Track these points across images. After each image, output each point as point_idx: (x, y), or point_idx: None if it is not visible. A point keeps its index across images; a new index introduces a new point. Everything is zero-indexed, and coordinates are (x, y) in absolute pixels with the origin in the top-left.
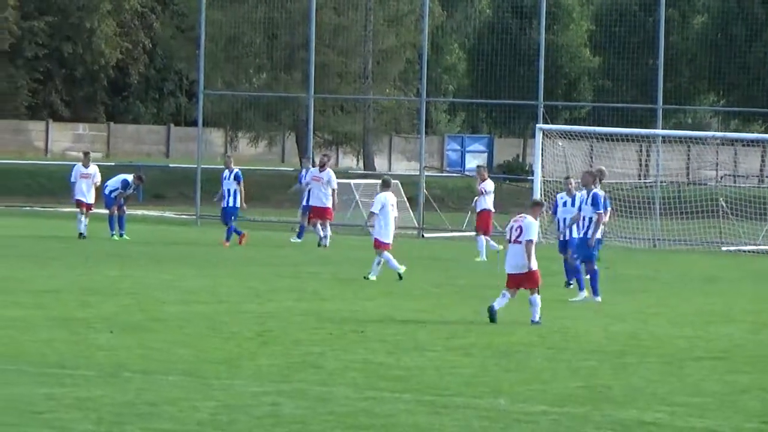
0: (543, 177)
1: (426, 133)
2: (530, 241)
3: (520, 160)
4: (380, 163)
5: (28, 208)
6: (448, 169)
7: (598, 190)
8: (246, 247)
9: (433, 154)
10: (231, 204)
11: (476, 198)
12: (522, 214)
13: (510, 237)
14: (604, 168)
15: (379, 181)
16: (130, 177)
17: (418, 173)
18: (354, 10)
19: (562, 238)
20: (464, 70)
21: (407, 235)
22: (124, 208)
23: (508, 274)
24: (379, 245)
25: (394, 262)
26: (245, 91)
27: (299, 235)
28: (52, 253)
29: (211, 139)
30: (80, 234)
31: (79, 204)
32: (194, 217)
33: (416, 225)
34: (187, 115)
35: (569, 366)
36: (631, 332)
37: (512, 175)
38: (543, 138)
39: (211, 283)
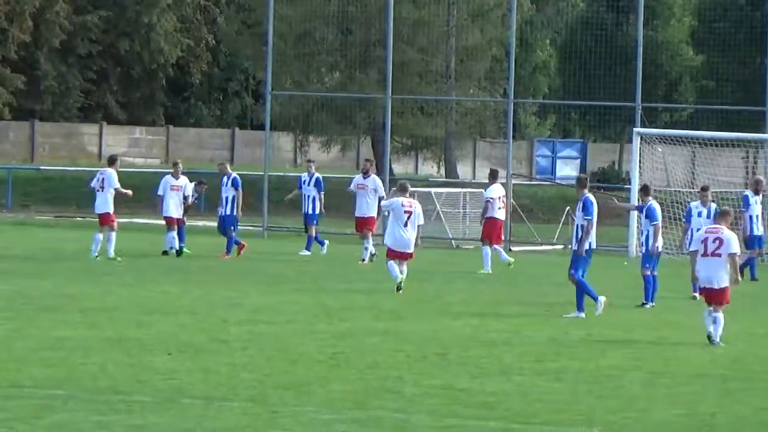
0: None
1: (513, 137)
2: (734, 254)
3: (616, 167)
4: (463, 170)
5: (80, 218)
6: (537, 177)
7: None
8: (319, 262)
9: (521, 160)
10: (229, 212)
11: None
12: (716, 226)
13: (706, 250)
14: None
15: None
16: (190, 185)
17: (504, 181)
18: (435, 3)
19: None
20: (555, 69)
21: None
22: (185, 218)
23: (703, 289)
24: (389, 254)
25: (395, 270)
26: (316, 91)
27: (308, 247)
28: (106, 267)
29: (280, 144)
30: (174, 250)
31: (169, 222)
32: (261, 228)
33: (503, 237)
34: (253, 118)
35: (669, 392)
36: (737, 355)
37: (607, 184)
38: (641, 143)
39: (278, 301)
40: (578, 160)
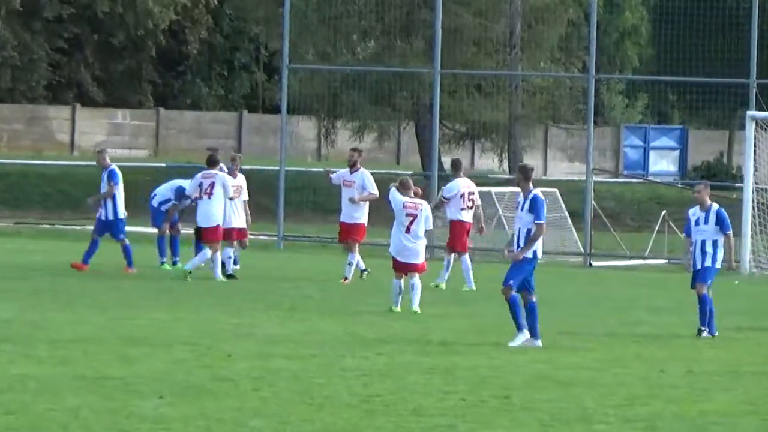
0: (756, 184)
1: (595, 122)
2: None
3: (725, 160)
4: (531, 164)
5: (46, 225)
6: (625, 172)
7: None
8: (353, 280)
9: (604, 151)
10: (113, 216)
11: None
12: None
13: None
14: None
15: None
16: (186, 183)
17: (584, 178)
18: None
19: None
20: (648, 36)
21: (569, 263)
22: (179, 226)
23: None
24: (396, 268)
25: (398, 295)
26: (346, 64)
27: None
28: (81, 288)
29: (299, 132)
30: (228, 272)
31: (227, 235)
32: (276, 237)
33: (581, 249)
34: (265, 99)
35: None
36: None
37: (715, 181)
38: (756, 129)
39: (298, 329)
40: (677, 152)
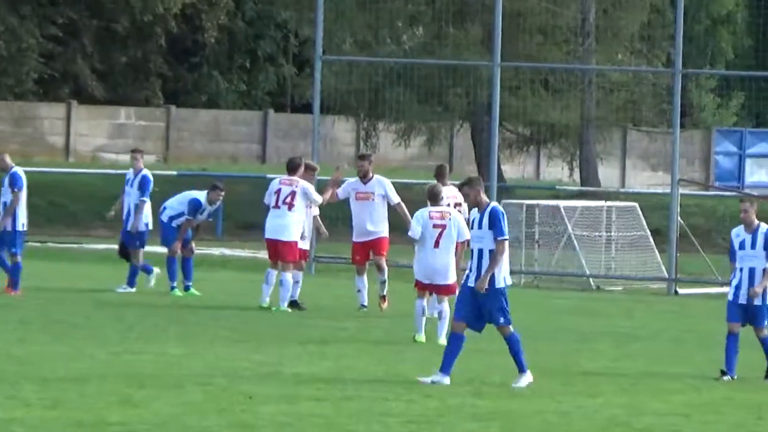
0: None
1: (682, 125)
2: None
3: None
4: (607, 174)
5: (37, 243)
6: (717, 184)
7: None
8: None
9: (692, 159)
10: (10, 227)
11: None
12: None
13: None
14: None
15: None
16: (201, 195)
17: (668, 190)
18: None
19: None
20: (745, 24)
21: (650, 289)
22: (193, 245)
23: None
24: (420, 287)
25: (421, 319)
26: (390, 56)
27: (130, 282)
28: (76, 317)
29: (335, 134)
30: (294, 302)
31: (303, 255)
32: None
33: (665, 274)
34: (295, 96)
35: None
36: None
37: None
38: None
39: (331, 367)
40: None
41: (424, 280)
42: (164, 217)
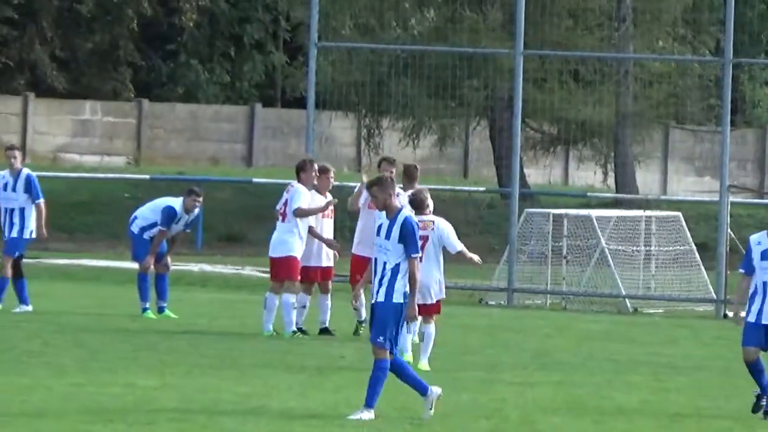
0: None
1: (733, 123)
2: None
3: None
4: (646, 179)
5: None
6: None
7: None
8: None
9: (744, 162)
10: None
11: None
12: None
13: None
14: None
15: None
16: (177, 202)
17: (716, 198)
18: None
19: None
20: None
21: (696, 312)
22: (168, 260)
23: None
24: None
25: (407, 341)
26: (396, 42)
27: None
28: (33, 343)
29: (332, 133)
30: (299, 329)
31: (307, 274)
32: None
33: (713, 295)
34: (286, 88)
35: None
36: None
37: None
38: None
39: (327, 400)
40: None
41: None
42: (135, 228)
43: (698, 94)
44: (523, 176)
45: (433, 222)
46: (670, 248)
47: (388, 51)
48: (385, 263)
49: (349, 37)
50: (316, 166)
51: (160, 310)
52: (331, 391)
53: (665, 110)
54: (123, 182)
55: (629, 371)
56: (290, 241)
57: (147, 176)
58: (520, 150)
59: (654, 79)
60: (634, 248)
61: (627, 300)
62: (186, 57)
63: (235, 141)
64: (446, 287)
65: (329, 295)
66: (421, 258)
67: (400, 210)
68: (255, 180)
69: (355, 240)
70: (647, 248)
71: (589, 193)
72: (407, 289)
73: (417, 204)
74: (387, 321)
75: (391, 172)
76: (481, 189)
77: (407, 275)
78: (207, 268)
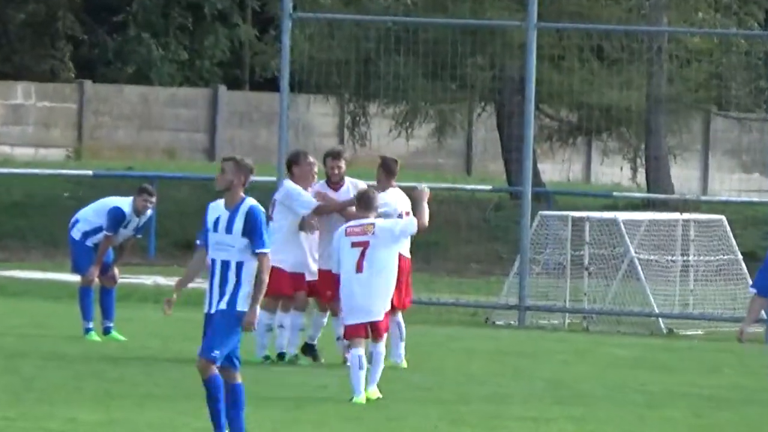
0: None
1: None
2: None
3: None
4: (683, 176)
5: None
6: None
7: None
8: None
9: None
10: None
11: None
12: None
13: None
14: None
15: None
16: (125, 203)
17: (767, 199)
18: None
19: None
20: None
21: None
22: (115, 271)
23: None
24: (345, 333)
25: (359, 375)
26: (386, 13)
27: None
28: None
29: (310, 120)
30: (279, 355)
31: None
32: None
33: (763, 314)
34: (255, 67)
35: None
36: None
37: None
38: None
39: None
40: None
41: (351, 319)
42: (76, 234)
43: (744, 74)
44: (536, 172)
45: (374, 225)
46: (712, 258)
47: (377, 23)
48: (226, 264)
49: (330, 7)
50: (311, 159)
51: (106, 330)
52: (310, 426)
53: (705, 94)
54: (62, 179)
55: (664, 405)
56: (285, 249)
57: (90, 172)
58: (533, 141)
59: (692, 57)
60: (669, 258)
61: (660, 320)
62: (136, 30)
63: (194, 130)
64: (446, 304)
65: (300, 315)
66: (360, 267)
67: (243, 199)
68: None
69: (322, 253)
70: (684, 258)
71: (615, 193)
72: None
73: (365, 203)
74: (228, 333)
75: (339, 168)
76: (487, 187)
77: (263, 277)
78: (162, 280)
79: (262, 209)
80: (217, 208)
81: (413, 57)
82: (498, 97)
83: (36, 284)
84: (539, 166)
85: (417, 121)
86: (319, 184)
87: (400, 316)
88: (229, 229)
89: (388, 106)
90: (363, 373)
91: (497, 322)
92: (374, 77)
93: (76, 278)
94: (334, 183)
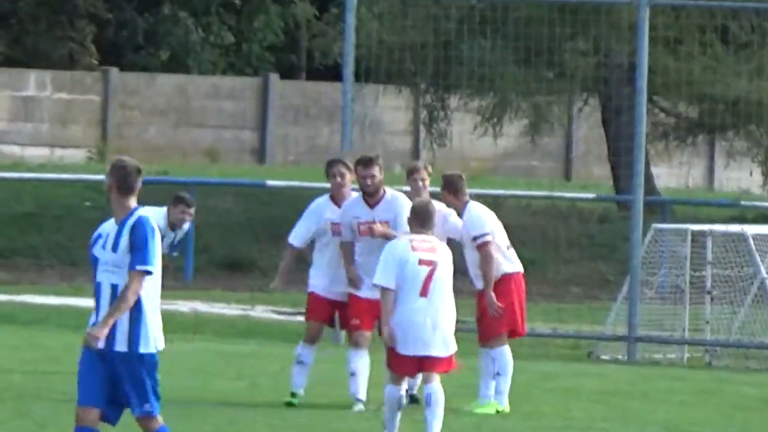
0: None
1: None
2: None
3: None
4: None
5: None
6: None
7: None
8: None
9: None
10: None
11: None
12: None
13: None
14: None
15: None
16: (157, 214)
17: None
18: None
19: None
20: None
21: None
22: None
23: None
24: (391, 363)
25: (394, 416)
26: None
27: None
28: None
29: (379, 116)
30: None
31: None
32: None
33: None
34: (314, 53)
35: None
36: None
37: None
38: None
39: None
40: None
41: (407, 349)
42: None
43: None
44: (649, 178)
45: (441, 246)
46: None
47: (457, 2)
48: (115, 287)
49: None
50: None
51: None
52: None
53: None
54: (82, 185)
55: None
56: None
57: None
58: (646, 140)
59: None
60: None
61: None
62: (172, 8)
63: (241, 127)
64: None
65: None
66: (426, 291)
67: (134, 209)
68: (269, 183)
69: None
70: None
71: (743, 202)
72: (157, 329)
73: (419, 217)
74: (142, 378)
75: (372, 178)
76: (590, 196)
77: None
78: (201, 307)
79: (153, 224)
80: (108, 225)
81: (502, 40)
82: (603, 87)
83: (51, 311)
84: (652, 170)
85: (506, 116)
86: (353, 200)
87: (507, 347)
88: (115, 248)
89: (472, 98)
90: (399, 413)
91: (602, 357)
92: (456, 64)
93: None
94: (369, 196)
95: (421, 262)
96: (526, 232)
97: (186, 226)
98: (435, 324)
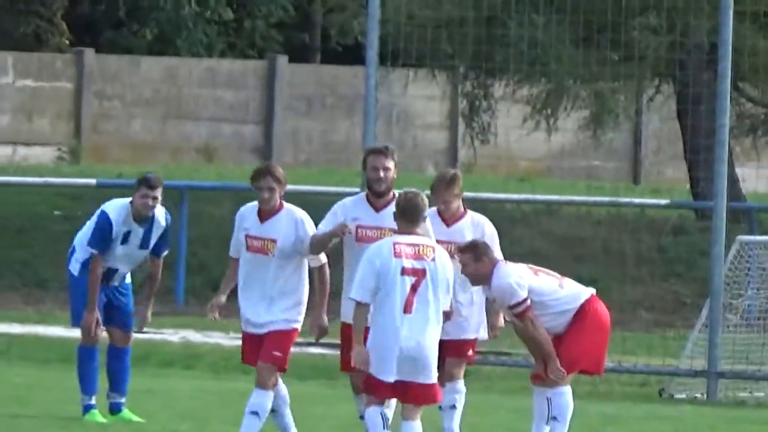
0: None
1: None
2: None
3: None
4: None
5: None
6: None
7: None
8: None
9: None
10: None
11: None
12: None
13: None
14: None
15: None
16: (116, 207)
17: None
18: None
19: None
20: None
21: None
22: (147, 315)
23: None
24: (366, 384)
25: None
26: None
27: None
28: None
29: (410, 106)
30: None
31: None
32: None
33: None
34: (330, 31)
35: None
36: None
37: None
38: None
39: None
40: None
41: (385, 375)
42: (74, 267)
43: None
44: (734, 181)
45: (434, 249)
46: None
47: None
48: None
49: None
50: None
51: (115, 408)
52: None
53: None
54: (52, 191)
55: None
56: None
57: (93, 180)
58: (730, 136)
59: None
60: None
61: None
62: None
63: (242, 120)
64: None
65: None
66: (409, 305)
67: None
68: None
69: (344, 296)
70: None
71: None
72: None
73: (405, 213)
74: None
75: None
76: (663, 202)
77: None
78: (194, 336)
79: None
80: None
81: (557, 15)
82: (679, 73)
83: (14, 342)
84: (738, 171)
85: (562, 106)
86: (354, 198)
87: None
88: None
89: (521, 85)
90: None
91: (677, 396)
92: (501, 45)
93: (74, 333)
94: (377, 195)
95: (404, 271)
96: (586, 245)
97: (158, 215)
98: (420, 347)
